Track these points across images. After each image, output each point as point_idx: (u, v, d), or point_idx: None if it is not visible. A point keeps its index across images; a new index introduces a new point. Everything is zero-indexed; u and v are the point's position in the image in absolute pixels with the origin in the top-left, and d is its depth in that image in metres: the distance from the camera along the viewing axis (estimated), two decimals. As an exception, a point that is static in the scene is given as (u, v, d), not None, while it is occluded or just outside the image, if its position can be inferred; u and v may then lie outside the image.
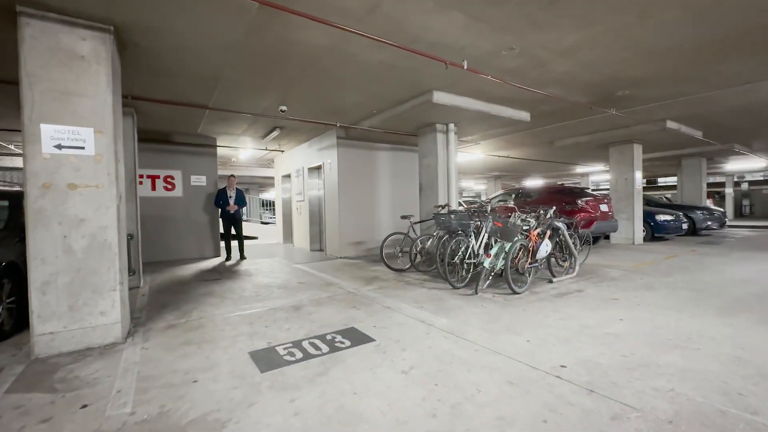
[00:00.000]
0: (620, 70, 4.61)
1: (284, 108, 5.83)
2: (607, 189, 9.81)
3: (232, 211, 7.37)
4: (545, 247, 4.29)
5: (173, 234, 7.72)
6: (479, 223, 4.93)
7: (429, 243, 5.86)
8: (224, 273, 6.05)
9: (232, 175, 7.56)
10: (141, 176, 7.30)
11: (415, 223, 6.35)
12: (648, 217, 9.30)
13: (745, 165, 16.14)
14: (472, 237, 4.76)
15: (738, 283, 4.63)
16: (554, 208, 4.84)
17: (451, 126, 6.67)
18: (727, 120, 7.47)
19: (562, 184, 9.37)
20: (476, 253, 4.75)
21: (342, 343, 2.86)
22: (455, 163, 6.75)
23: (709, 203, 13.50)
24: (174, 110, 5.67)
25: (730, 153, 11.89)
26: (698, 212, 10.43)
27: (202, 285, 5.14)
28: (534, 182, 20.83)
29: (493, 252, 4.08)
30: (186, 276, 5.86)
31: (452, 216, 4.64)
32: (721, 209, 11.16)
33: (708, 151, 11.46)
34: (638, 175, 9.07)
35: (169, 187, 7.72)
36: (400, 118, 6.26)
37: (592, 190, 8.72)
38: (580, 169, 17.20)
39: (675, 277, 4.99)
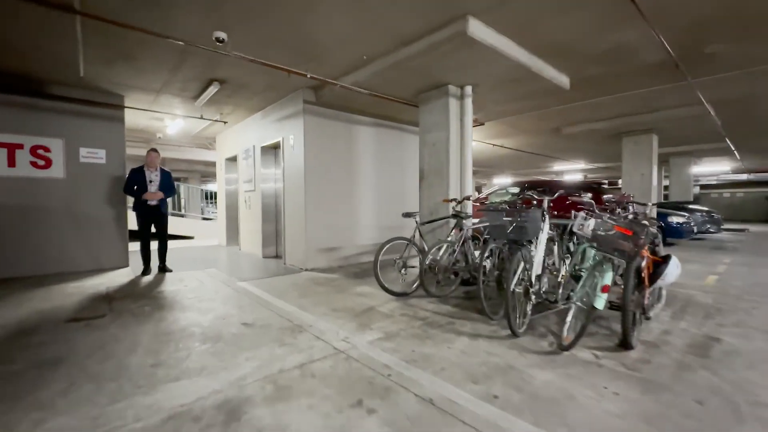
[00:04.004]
0: (755, -3, 3.03)
1: (223, 36, 3.59)
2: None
3: (152, 202, 4.92)
4: (675, 269, 2.60)
5: (48, 235, 5.08)
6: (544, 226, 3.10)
7: (442, 254, 3.98)
8: (118, 302, 3.68)
9: (153, 150, 5.07)
10: (-17, 143, 4.62)
11: (423, 223, 4.44)
12: (659, 219, 8.22)
13: (709, 168, 16.28)
14: (535, 249, 2.91)
15: None
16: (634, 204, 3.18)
17: (468, 89, 4.82)
18: (765, 107, 6.42)
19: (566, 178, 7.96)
20: (536, 276, 2.92)
21: None
22: (471, 140, 4.92)
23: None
24: (9, 12, 3.19)
25: (711, 153, 11.42)
26: (698, 214, 9.64)
27: (59, 335, 2.80)
28: (536, 176, 19.90)
29: (606, 280, 2.28)
30: (45, 310, 3.42)
31: (524, 215, 2.67)
32: (717, 212, 10.55)
33: (698, 150, 10.87)
34: (655, 170, 7.92)
35: (41, 163, 5.06)
36: (402, 71, 4.28)
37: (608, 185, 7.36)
38: (557, 167, 16.38)
39: (790, 305, 3.58)
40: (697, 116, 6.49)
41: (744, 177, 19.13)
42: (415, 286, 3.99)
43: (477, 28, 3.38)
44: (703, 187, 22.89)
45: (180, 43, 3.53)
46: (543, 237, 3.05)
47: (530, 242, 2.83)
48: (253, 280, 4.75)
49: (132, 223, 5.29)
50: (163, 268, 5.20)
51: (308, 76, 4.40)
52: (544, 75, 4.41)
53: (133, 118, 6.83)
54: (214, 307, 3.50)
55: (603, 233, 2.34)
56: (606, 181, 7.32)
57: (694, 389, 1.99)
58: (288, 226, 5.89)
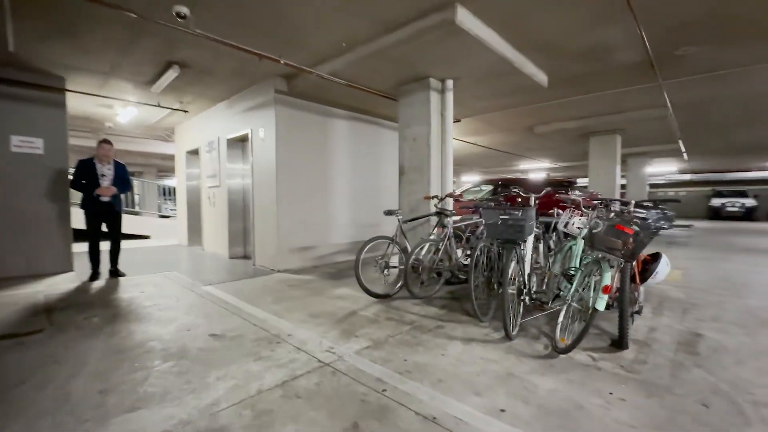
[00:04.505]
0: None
1: (185, 11, 3.18)
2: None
3: (105, 197, 4.36)
4: (665, 267, 2.60)
5: (-29, 236, 4.39)
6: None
7: (424, 253, 3.83)
8: (60, 314, 3.19)
9: (105, 141, 4.48)
10: None
11: (406, 221, 4.26)
12: (621, 216, 8.60)
13: (658, 168, 17.49)
14: (525, 248, 2.82)
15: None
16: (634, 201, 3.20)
17: (449, 83, 4.69)
18: (719, 111, 6.85)
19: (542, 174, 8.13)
20: (524, 277, 2.83)
21: None
22: (452, 136, 4.80)
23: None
24: None
25: (664, 154, 12.18)
26: (653, 211, 10.21)
27: (-23, 357, 2.33)
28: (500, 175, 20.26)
29: (606, 280, 2.20)
30: (-38, 326, 2.88)
31: (521, 214, 2.51)
32: (669, 209, 11.25)
33: (653, 151, 11.52)
34: (618, 169, 8.27)
35: (-38, 152, 4.34)
36: (383, 60, 4.07)
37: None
38: (523, 165, 16.88)
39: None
40: (659, 118, 6.80)
41: (688, 177, 20.75)
42: (398, 287, 3.81)
43: (465, 17, 3.24)
44: (651, 186, 24.62)
45: (132, 15, 3.09)
46: (531, 235, 2.97)
47: (524, 241, 2.73)
48: (220, 283, 4.35)
49: (78, 221, 4.69)
50: (115, 272, 4.65)
51: (282, 62, 4.07)
52: (524, 71, 4.37)
53: (77, 104, 6.11)
54: (176, 317, 3.12)
55: (600, 231, 2.27)
56: (574, 180, 7.54)
57: (695, 390, 1.95)
58: (258, 225, 5.50)
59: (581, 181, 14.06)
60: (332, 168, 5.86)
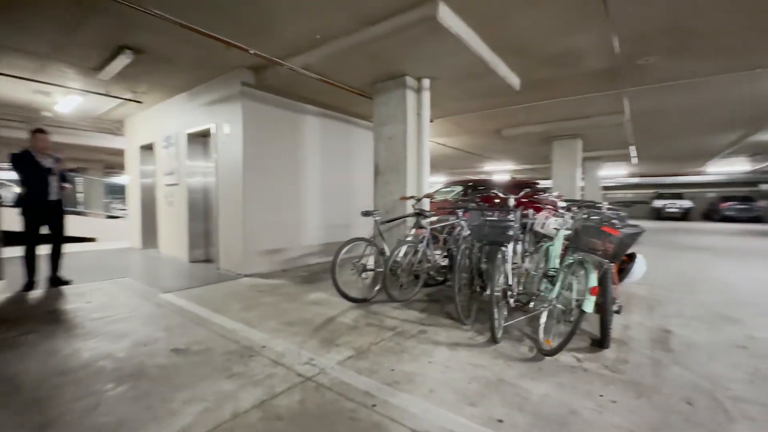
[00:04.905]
0: (693, 13, 3.29)
1: (142, -12, 2.85)
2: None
3: (53, 196, 3.89)
4: (642, 267, 2.67)
5: None
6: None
7: (403, 255, 3.73)
8: (-17, 331, 2.73)
9: (41, 130, 3.92)
10: None
11: (384, 222, 4.14)
12: (581, 217, 9.05)
13: (609, 172, 18.78)
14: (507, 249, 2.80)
15: None
16: (607, 204, 3.32)
17: (426, 83, 4.63)
18: (667, 119, 7.38)
19: (514, 177, 8.38)
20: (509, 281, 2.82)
21: None
22: (428, 135, 4.75)
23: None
24: None
25: (616, 158, 13.06)
26: (608, 212, 10.85)
27: None
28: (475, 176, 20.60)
29: (592, 282, 2.21)
30: None
31: (509, 216, 2.49)
32: (622, 210, 12.02)
33: (606, 156, 12.27)
34: (579, 172, 8.69)
35: None
36: (360, 55, 3.93)
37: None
38: (488, 167, 17.39)
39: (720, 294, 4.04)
40: (617, 124, 7.21)
41: (635, 180, 22.42)
42: (376, 290, 3.67)
43: (446, 14, 3.17)
44: (604, 188, 26.37)
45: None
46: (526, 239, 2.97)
47: (509, 243, 2.70)
48: (181, 290, 3.99)
49: (7, 222, 4.11)
50: (56, 280, 4.12)
51: (251, 52, 3.80)
52: (499, 73, 4.40)
53: (8, 89, 5.40)
54: (131, 330, 2.78)
55: (584, 233, 2.29)
56: (537, 181, 7.80)
57: (678, 389, 1.99)
58: (222, 226, 5.13)
59: (542, 183, 14.74)
60: (303, 166, 5.61)
